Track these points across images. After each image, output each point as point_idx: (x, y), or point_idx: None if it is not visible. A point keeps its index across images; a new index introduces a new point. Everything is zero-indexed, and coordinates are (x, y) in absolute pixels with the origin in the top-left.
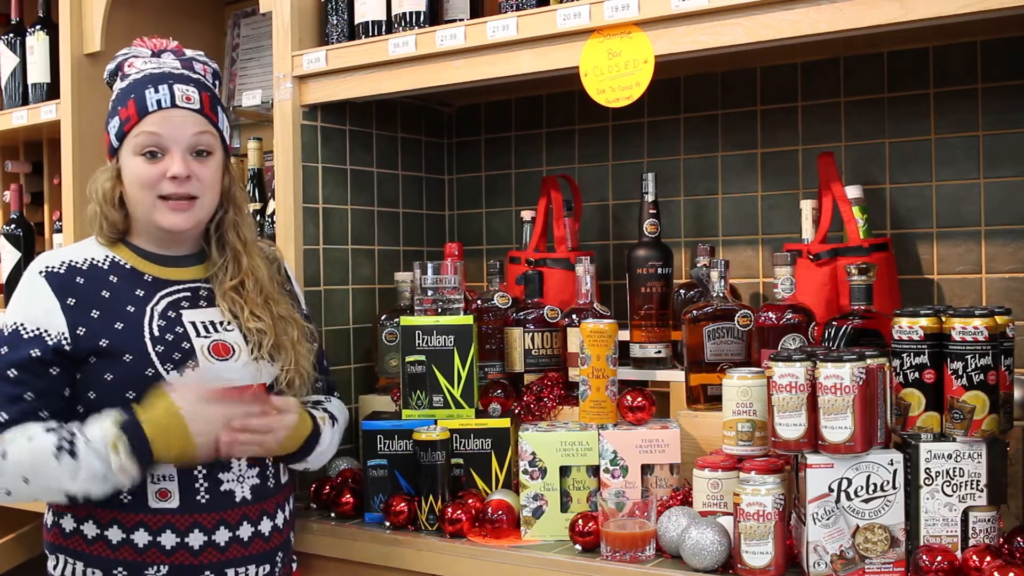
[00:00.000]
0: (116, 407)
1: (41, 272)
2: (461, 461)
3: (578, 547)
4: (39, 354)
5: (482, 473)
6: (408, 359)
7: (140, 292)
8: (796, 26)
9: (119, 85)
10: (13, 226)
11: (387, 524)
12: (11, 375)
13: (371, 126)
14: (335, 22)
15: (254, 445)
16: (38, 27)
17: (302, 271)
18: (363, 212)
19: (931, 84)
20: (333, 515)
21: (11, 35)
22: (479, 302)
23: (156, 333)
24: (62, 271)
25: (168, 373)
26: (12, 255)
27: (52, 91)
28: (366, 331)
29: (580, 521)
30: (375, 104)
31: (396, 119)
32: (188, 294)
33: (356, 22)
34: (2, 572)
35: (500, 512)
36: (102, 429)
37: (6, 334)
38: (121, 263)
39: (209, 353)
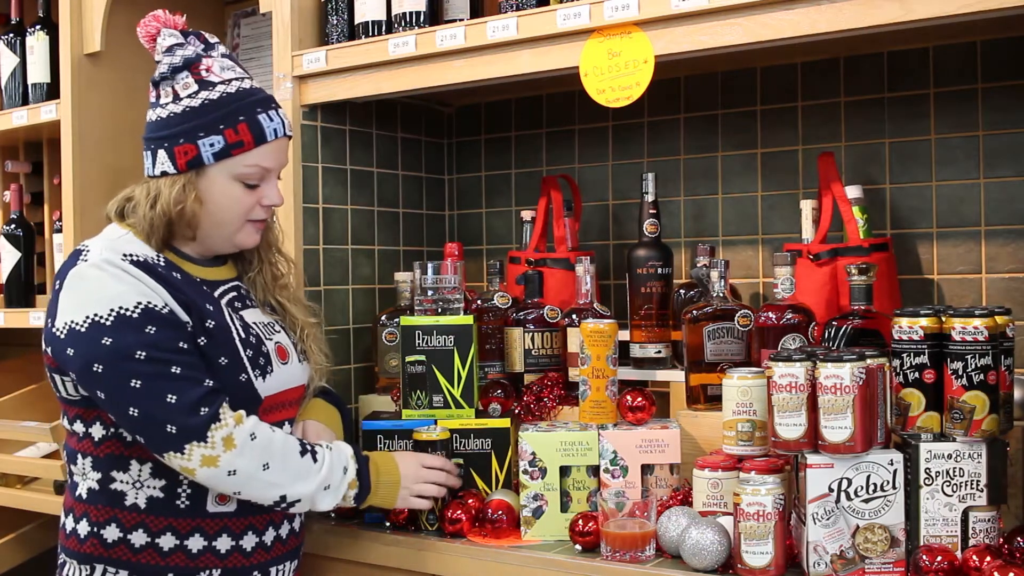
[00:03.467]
0: None
1: (124, 258)
2: (461, 461)
3: (578, 547)
4: (191, 329)
5: (482, 473)
6: (408, 359)
7: (206, 288)
8: (796, 26)
9: (206, 94)
10: (13, 226)
11: (387, 524)
12: (184, 347)
13: (371, 126)
14: (335, 22)
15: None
16: (38, 27)
17: (302, 271)
18: (363, 212)
19: (931, 84)
20: (333, 515)
21: (11, 35)
22: (479, 302)
23: (242, 335)
24: (143, 260)
25: (256, 379)
26: (12, 255)
27: (52, 91)
28: (366, 331)
29: (580, 521)
30: (375, 104)
31: (396, 119)
32: (235, 293)
33: (356, 22)
34: (2, 572)
35: (500, 512)
36: (339, 446)
37: (135, 316)
38: (173, 263)
39: (276, 356)
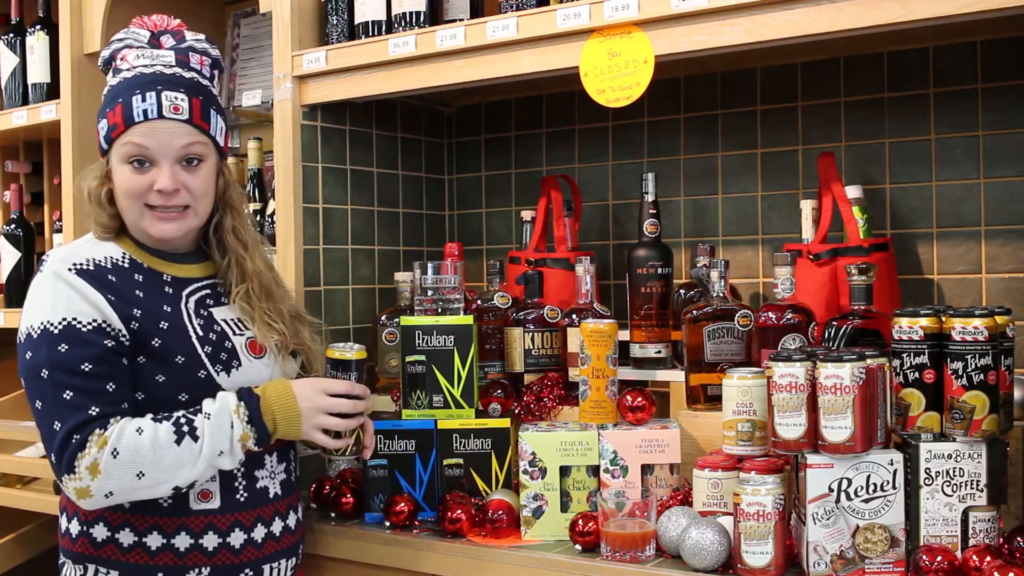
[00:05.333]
0: (169, 408)
1: (71, 269)
2: (460, 461)
3: (578, 547)
4: (112, 344)
5: (482, 473)
6: (408, 359)
7: (169, 290)
8: (796, 26)
9: (110, 81)
10: (13, 226)
11: (387, 524)
12: (87, 369)
13: (371, 126)
14: (335, 22)
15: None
16: (38, 27)
17: (302, 271)
18: (363, 212)
19: (931, 84)
20: (333, 515)
21: (11, 35)
22: (479, 302)
23: (200, 333)
24: (92, 268)
25: (218, 375)
26: (12, 255)
27: (52, 91)
28: (366, 331)
29: (580, 521)
30: (375, 104)
31: (396, 119)
32: (209, 291)
33: (356, 22)
34: (2, 572)
35: (500, 512)
36: (221, 400)
37: (56, 332)
38: (139, 262)
39: (247, 351)
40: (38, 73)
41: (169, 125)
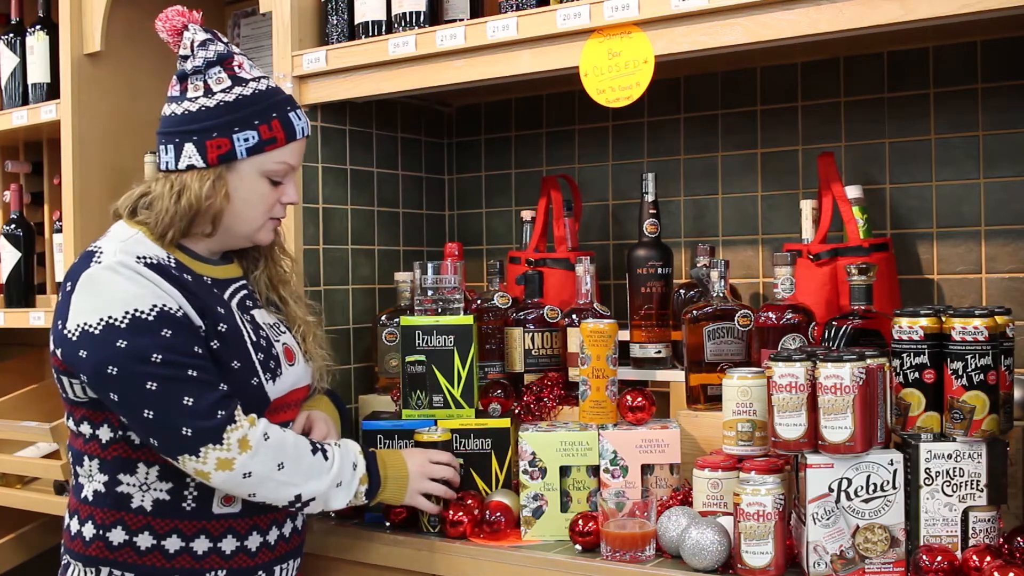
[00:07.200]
0: None
1: (139, 261)
2: (461, 461)
3: (578, 547)
4: (204, 332)
5: (482, 473)
6: (408, 359)
7: (216, 291)
8: (796, 26)
9: (240, 90)
10: (13, 226)
11: (387, 524)
12: (199, 352)
13: (371, 126)
14: (335, 22)
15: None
16: (38, 27)
17: (302, 271)
18: (363, 212)
19: (931, 84)
20: (333, 515)
21: (11, 35)
22: (479, 302)
23: (253, 338)
24: (156, 263)
25: (267, 383)
26: (12, 255)
27: (52, 91)
28: (366, 331)
29: (580, 521)
30: (375, 104)
31: (396, 119)
32: (245, 292)
33: (356, 22)
34: (2, 572)
35: (500, 512)
36: (344, 441)
37: (150, 319)
38: (183, 263)
39: (284, 357)
40: (38, 73)
41: (304, 143)
